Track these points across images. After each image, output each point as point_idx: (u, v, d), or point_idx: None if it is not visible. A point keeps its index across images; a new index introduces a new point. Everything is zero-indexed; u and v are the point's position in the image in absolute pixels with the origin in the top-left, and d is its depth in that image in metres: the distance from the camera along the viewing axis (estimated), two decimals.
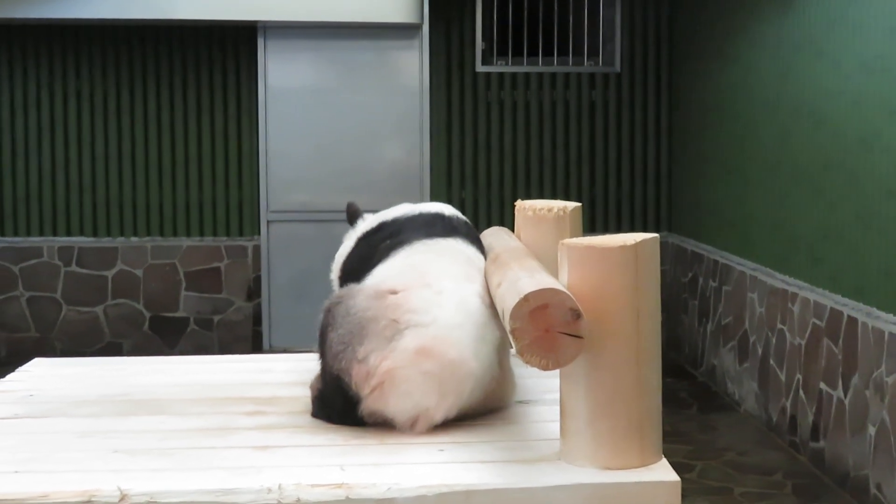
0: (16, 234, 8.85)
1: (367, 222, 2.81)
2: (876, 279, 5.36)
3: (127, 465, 2.10)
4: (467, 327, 2.27)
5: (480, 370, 2.28)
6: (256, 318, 8.89)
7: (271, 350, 8.67)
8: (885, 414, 5.18)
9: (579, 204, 2.86)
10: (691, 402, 7.48)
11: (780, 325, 6.54)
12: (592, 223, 8.98)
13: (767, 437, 6.61)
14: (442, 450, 2.17)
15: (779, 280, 6.59)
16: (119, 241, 8.89)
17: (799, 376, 6.25)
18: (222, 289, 8.93)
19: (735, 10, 7.43)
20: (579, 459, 2.03)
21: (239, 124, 8.89)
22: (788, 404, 6.39)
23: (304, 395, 2.48)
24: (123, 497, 1.94)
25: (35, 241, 8.85)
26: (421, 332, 2.23)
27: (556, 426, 2.11)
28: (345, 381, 2.26)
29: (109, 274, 8.88)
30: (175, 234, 8.92)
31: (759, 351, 6.88)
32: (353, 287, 2.40)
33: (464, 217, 2.74)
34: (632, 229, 8.97)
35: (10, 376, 2.86)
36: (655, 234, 2.07)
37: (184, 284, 8.92)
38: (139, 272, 8.89)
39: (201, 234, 8.94)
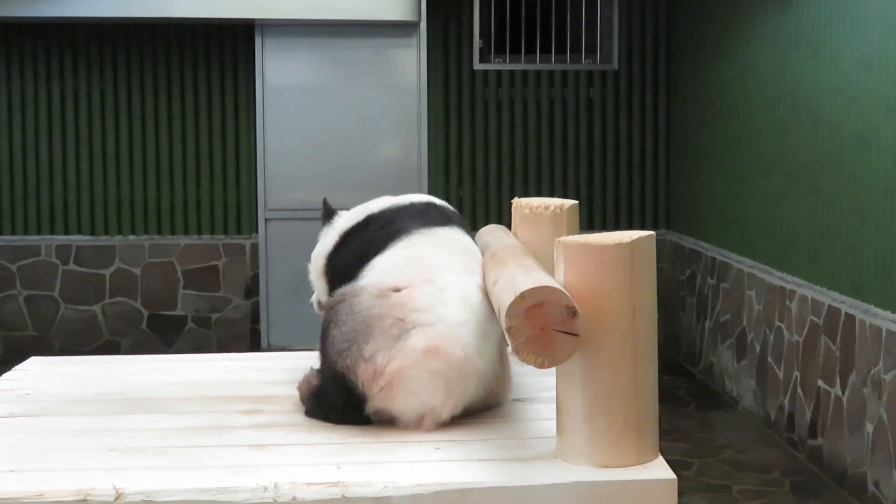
0: (13, 232, 8.85)
1: (347, 217, 2.78)
2: (873, 276, 5.36)
3: (122, 463, 2.10)
4: (472, 324, 2.27)
5: (485, 367, 2.30)
6: (254, 317, 8.89)
7: (269, 348, 8.67)
8: (882, 411, 5.18)
9: (576, 202, 2.85)
10: (689, 399, 7.48)
11: (777, 323, 6.54)
12: (590, 221, 8.98)
13: (765, 435, 6.61)
14: (438, 448, 2.17)
15: (776, 277, 6.59)
16: (117, 240, 8.88)
17: (797, 374, 6.25)
18: (220, 287, 8.93)
19: (733, 7, 7.43)
20: (576, 457, 2.03)
21: (237, 122, 8.88)
22: (786, 402, 6.39)
23: None
24: (119, 496, 1.94)
25: (33, 239, 8.85)
26: (427, 332, 2.23)
27: (553, 424, 2.11)
28: (350, 380, 2.25)
29: (107, 272, 8.88)
30: (173, 232, 8.92)
31: (757, 348, 6.88)
32: (354, 285, 2.39)
33: (452, 208, 2.74)
34: (630, 227, 8.97)
35: (6, 375, 2.85)
36: (651, 232, 2.06)
37: (182, 283, 8.91)
38: (137, 270, 8.88)
39: (199, 232, 8.93)
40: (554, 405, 2.09)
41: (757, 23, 6.96)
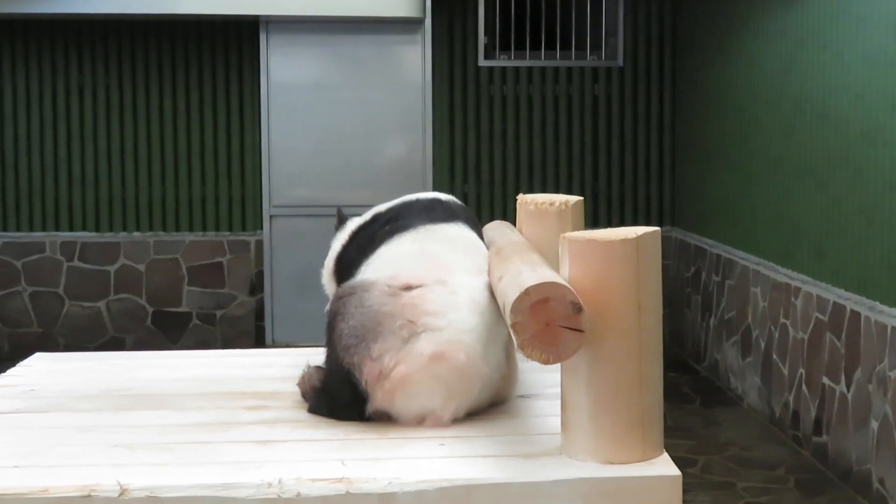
0: (18, 229, 8.85)
1: (357, 220, 2.80)
2: (879, 273, 5.35)
3: (127, 459, 2.10)
4: (479, 330, 2.27)
5: (489, 372, 2.30)
6: (259, 313, 8.89)
7: (274, 345, 8.67)
8: (887, 408, 5.17)
9: (581, 198, 2.85)
10: (694, 396, 7.48)
11: (782, 320, 6.53)
12: (595, 218, 8.97)
13: (770, 432, 6.60)
14: (443, 444, 2.16)
15: (782, 274, 6.58)
16: (122, 236, 8.89)
17: (802, 371, 6.24)
18: (225, 284, 8.93)
19: (738, 3, 7.42)
20: (580, 454, 2.03)
21: (241, 119, 8.88)
22: (791, 399, 6.38)
23: None
24: (123, 491, 1.94)
25: (38, 236, 8.85)
26: (436, 337, 2.23)
27: (558, 420, 2.11)
28: (354, 377, 2.25)
29: (112, 269, 8.88)
30: (178, 229, 8.92)
31: (762, 345, 6.87)
32: (364, 280, 2.38)
33: (460, 202, 2.73)
34: (635, 224, 8.96)
35: (10, 371, 2.85)
36: (657, 228, 2.06)
37: (186, 279, 8.92)
38: (142, 267, 8.89)
39: (204, 229, 8.94)
40: (559, 401, 2.09)
41: (762, 19, 6.95)
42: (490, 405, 2.37)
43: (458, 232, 2.54)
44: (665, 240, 8.85)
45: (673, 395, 7.34)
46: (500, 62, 8.98)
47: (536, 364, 1.95)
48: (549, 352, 1.93)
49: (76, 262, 8.86)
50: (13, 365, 2.93)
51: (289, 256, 8.68)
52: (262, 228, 8.84)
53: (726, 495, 5.64)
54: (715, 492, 5.69)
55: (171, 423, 2.35)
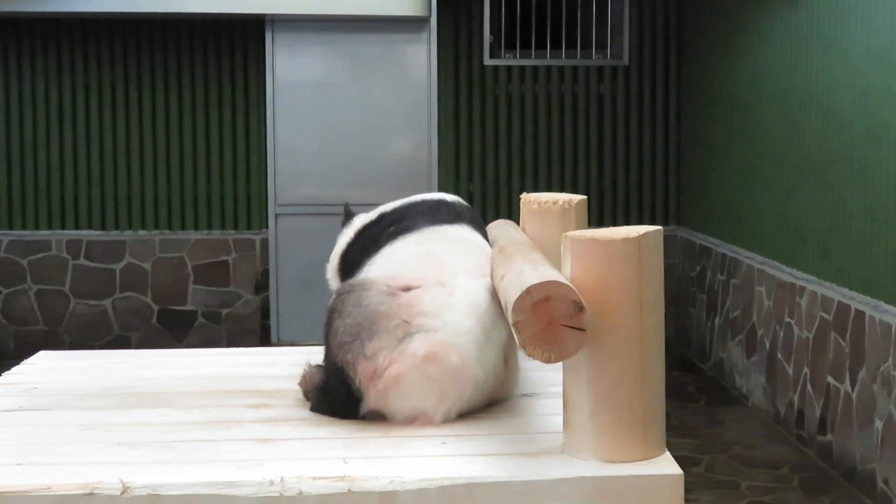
0: (24, 227, 8.87)
1: (363, 217, 2.81)
2: (884, 272, 5.34)
3: (129, 457, 2.11)
4: (475, 332, 2.28)
5: (483, 375, 2.30)
6: (264, 312, 8.90)
7: (279, 343, 8.67)
8: (892, 408, 5.17)
9: (584, 197, 2.85)
10: (699, 396, 7.47)
11: (787, 319, 6.53)
12: (600, 217, 8.97)
13: (775, 431, 6.60)
14: (444, 443, 2.17)
15: (786, 273, 6.58)
16: (127, 235, 8.90)
17: (806, 370, 6.23)
18: (230, 282, 8.94)
19: (743, 2, 7.41)
20: (582, 452, 2.03)
21: (247, 117, 8.89)
22: (796, 398, 6.38)
23: None
24: (125, 489, 1.94)
25: (43, 234, 8.87)
26: (430, 337, 2.24)
27: (560, 419, 2.11)
28: (349, 375, 2.26)
29: (117, 267, 8.89)
30: (183, 227, 8.93)
31: (767, 345, 6.86)
32: (365, 278, 2.39)
33: (466, 203, 2.74)
34: (640, 223, 8.95)
35: (14, 369, 2.86)
36: (659, 227, 2.06)
37: (192, 278, 8.92)
38: (147, 265, 8.90)
39: (209, 227, 8.94)
40: (561, 400, 2.09)
41: (767, 18, 6.95)
42: (485, 406, 2.37)
43: (463, 234, 2.54)
44: (670, 239, 8.85)
45: (677, 394, 7.34)
46: (505, 61, 8.97)
47: (538, 363, 1.95)
48: (550, 350, 1.93)
49: (82, 261, 8.87)
50: (18, 363, 2.94)
51: (294, 255, 8.69)
52: (267, 227, 8.84)
53: (730, 494, 5.64)
54: (719, 491, 5.68)
55: (173, 422, 2.36)
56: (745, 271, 7.35)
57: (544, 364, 1.96)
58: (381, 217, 2.69)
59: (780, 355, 6.65)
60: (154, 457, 2.11)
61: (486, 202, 8.98)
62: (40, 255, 8.86)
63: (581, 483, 1.97)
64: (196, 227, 8.94)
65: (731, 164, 7.75)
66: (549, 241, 2.65)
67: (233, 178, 8.92)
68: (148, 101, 8.86)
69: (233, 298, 8.94)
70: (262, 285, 8.90)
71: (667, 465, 2.01)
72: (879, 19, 5.39)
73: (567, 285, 1.93)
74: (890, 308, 5.25)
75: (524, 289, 1.92)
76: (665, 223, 9.00)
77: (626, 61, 9.02)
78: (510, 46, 9.02)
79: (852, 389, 5.62)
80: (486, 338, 2.29)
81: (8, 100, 8.81)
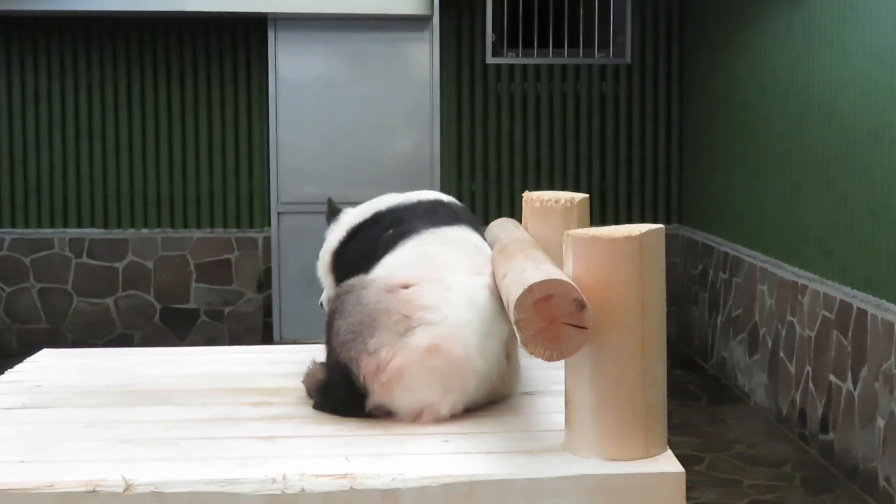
0: (27, 225, 8.87)
1: (354, 214, 2.79)
2: (886, 271, 5.34)
3: (132, 454, 2.11)
4: (475, 325, 2.28)
5: (486, 367, 2.30)
6: (267, 310, 8.90)
7: (282, 341, 8.67)
8: (894, 406, 5.17)
9: (586, 195, 2.85)
10: (701, 394, 7.48)
11: (789, 318, 6.53)
12: (603, 215, 8.97)
13: (777, 430, 6.60)
14: (447, 440, 2.17)
15: (789, 272, 6.58)
16: (130, 233, 8.90)
17: (808, 368, 6.23)
18: (233, 280, 8.94)
19: (745, 1, 7.41)
20: (584, 450, 2.03)
21: (249, 116, 8.89)
22: (798, 397, 6.38)
23: None
24: (128, 487, 1.95)
25: (46, 232, 8.87)
26: (431, 330, 2.24)
27: (561, 417, 2.11)
28: (352, 372, 2.26)
29: (120, 266, 8.90)
30: (186, 225, 8.94)
31: (769, 343, 6.87)
32: (363, 278, 2.40)
33: (461, 203, 2.74)
34: (642, 221, 8.95)
35: (17, 367, 2.86)
36: (660, 225, 2.06)
37: (194, 276, 8.93)
38: (150, 264, 8.91)
39: (212, 225, 8.95)
40: (563, 398, 2.09)
41: (770, 16, 6.95)
42: (488, 402, 2.37)
43: (462, 234, 2.55)
44: (672, 237, 8.85)
45: (680, 392, 7.34)
46: (507, 59, 8.97)
47: (540, 361, 1.95)
48: (552, 349, 1.93)
49: (84, 259, 8.88)
50: (21, 361, 2.95)
51: (296, 253, 8.69)
52: (269, 225, 8.84)
53: (732, 493, 5.64)
54: (721, 489, 5.69)
55: (175, 419, 2.36)
56: (747, 270, 7.35)
57: (546, 362, 1.96)
58: (377, 217, 2.69)
59: (781, 354, 6.65)
60: (157, 454, 2.11)
61: (488, 200, 8.98)
62: (43, 254, 8.87)
63: (583, 481, 1.97)
64: (198, 226, 8.94)
65: (733, 162, 7.74)
66: (551, 240, 2.65)
67: (235, 176, 8.93)
68: (151, 99, 8.86)
69: (235, 297, 8.94)
70: (264, 283, 8.91)
71: (668, 463, 2.02)
72: (881, 18, 5.39)
73: (569, 283, 1.94)
74: (892, 307, 5.25)
75: (526, 287, 1.93)
76: (667, 222, 9.00)
77: (628, 60, 9.02)
78: (512, 45, 9.02)
79: (854, 388, 5.62)
80: (487, 331, 2.29)
81: (11, 98, 8.82)
